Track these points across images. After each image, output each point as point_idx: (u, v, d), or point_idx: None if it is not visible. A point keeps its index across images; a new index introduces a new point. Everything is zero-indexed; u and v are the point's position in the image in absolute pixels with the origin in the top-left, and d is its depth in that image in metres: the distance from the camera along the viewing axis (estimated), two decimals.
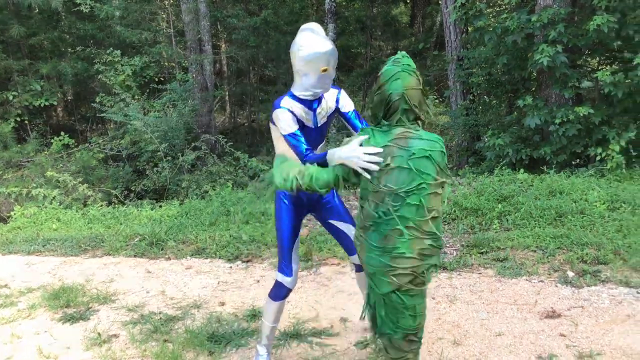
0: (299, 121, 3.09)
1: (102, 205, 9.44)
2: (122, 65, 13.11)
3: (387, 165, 2.46)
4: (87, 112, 16.82)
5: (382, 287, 2.56)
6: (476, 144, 10.03)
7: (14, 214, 9.28)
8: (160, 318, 4.50)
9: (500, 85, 10.08)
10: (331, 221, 3.43)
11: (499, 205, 6.36)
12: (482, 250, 5.43)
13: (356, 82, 18.33)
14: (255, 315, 4.38)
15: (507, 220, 6.10)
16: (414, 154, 2.46)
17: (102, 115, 12.55)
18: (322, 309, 4.48)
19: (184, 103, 12.38)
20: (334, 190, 3.38)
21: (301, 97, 3.10)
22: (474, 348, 3.62)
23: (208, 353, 3.79)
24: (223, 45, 18.63)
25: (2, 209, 10.44)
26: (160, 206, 8.97)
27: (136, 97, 12.78)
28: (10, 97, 13.89)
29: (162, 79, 15.17)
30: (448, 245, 5.75)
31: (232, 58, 17.17)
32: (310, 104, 3.14)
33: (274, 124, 3.13)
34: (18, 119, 13.96)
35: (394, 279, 2.51)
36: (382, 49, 20.73)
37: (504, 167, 8.01)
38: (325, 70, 2.98)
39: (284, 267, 3.30)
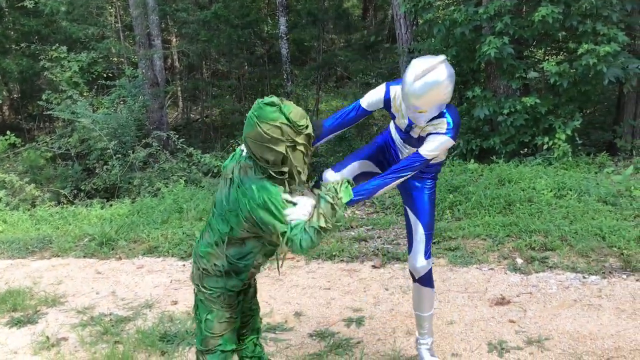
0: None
1: (50, 206, 9.20)
2: (68, 61, 12.76)
3: None
4: (34, 110, 16.38)
5: None
6: None
7: None
8: (111, 319, 4.41)
9: None
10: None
11: (450, 196, 6.44)
12: (434, 240, 5.49)
13: (309, 75, 18.29)
14: None
15: (458, 210, 6.19)
16: None
17: (49, 113, 12.22)
18: (276, 304, 4.46)
19: (134, 99, 12.13)
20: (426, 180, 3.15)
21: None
22: None
23: (160, 353, 3.73)
24: (173, 40, 18.34)
25: None
26: (111, 205, 8.79)
27: (84, 94, 12.48)
28: None
29: (111, 75, 14.84)
30: (401, 237, 5.79)
31: (183, 53, 16.95)
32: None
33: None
34: None
35: None
36: (335, 42, 20.76)
37: (454, 158, 8.13)
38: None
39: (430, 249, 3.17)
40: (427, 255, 3.13)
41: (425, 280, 3.18)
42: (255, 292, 2.90)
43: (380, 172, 3.09)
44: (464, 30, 8.38)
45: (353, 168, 3.18)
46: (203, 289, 2.60)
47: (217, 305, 2.61)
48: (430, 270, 3.17)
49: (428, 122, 2.81)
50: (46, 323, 4.48)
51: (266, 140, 2.34)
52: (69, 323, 4.43)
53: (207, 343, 2.65)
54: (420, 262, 3.12)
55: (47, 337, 4.13)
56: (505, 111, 8.09)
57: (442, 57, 2.74)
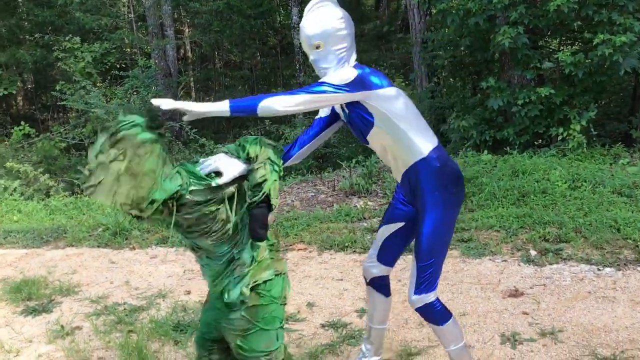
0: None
1: (64, 196, 9.28)
2: (82, 52, 12.83)
3: None
4: (48, 101, 16.48)
5: None
6: (441, 126, 10.09)
7: None
8: (125, 309, 4.44)
9: (464, 68, 10.14)
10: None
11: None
12: None
13: None
14: None
15: (472, 201, 6.16)
16: None
17: (62, 103, 12.29)
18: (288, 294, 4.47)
19: (147, 90, 12.19)
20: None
21: None
22: None
23: (173, 342, 3.75)
24: (186, 30, 18.36)
25: None
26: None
27: (97, 84, 12.54)
28: None
29: (124, 66, 14.89)
30: None
31: (195, 43, 16.96)
32: None
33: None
34: None
35: None
36: None
37: (468, 149, 8.08)
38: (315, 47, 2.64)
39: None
40: (418, 291, 2.69)
41: (426, 316, 2.78)
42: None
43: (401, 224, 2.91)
44: (478, 20, 8.30)
45: (383, 237, 2.98)
46: None
47: None
48: (429, 307, 2.72)
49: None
50: (60, 312, 4.52)
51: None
52: (83, 312, 4.47)
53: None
54: (410, 294, 2.75)
55: (62, 326, 4.16)
56: (520, 102, 8.01)
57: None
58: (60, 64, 13.08)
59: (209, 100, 19.67)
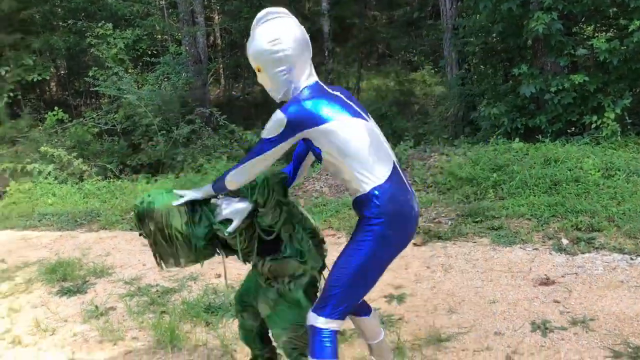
0: None
1: (97, 180, 9.44)
2: (114, 38, 12.95)
3: None
4: (81, 87, 16.71)
5: None
6: (472, 113, 10.00)
7: (9, 189, 9.29)
8: (157, 290, 4.52)
9: (496, 54, 10.00)
10: None
11: (494, 175, 6.36)
12: (477, 220, 5.45)
13: (350, 53, 18.16)
14: None
15: (502, 189, 6.11)
16: None
17: (95, 89, 12.46)
18: None
19: (178, 76, 12.28)
20: None
21: None
22: (468, 315, 3.65)
23: (205, 324, 3.82)
24: (216, 17, 18.42)
25: None
26: (156, 180, 8.97)
27: (129, 70, 12.67)
28: (3, 72, 13.76)
29: (156, 52, 15.02)
30: (443, 215, 5.76)
31: (225, 30, 16.99)
32: None
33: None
34: (11, 94, 13.85)
35: None
36: (377, 18, 20.53)
37: (499, 137, 8.00)
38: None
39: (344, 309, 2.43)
40: (314, 307, 2.45)
41: (310, 339, 2.44)
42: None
43: None
44: (511, 6, 8.17)
45: None
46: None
47: None
48: (314, 331, 2.40)
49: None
50: (95, 293, 4.63)
51: None
52: (117, 293, 4.57)
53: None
54: (309, 312, 2.47)
55: (96, 306, 4.27)
56: (553, 89, 7.89)
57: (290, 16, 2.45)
58: (92, 50, 13.22)
59: (237, 87, 19.76)
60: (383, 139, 2.46)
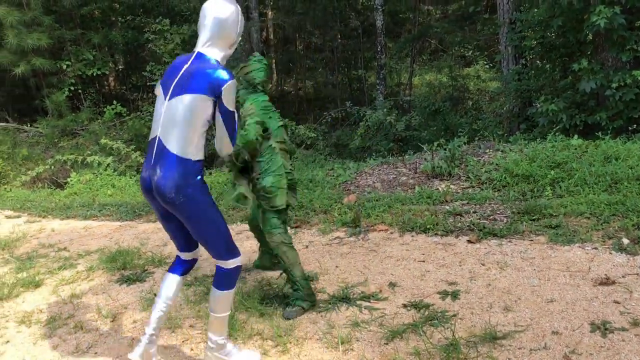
0: None
1: None
2: (171, 34, 13.24)
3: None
4: (138, 81, 17.14)
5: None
6: (528, 109, 9.80)
7: (71, 180, 9.61)
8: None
9: (555, 49, 9.77)
10: None
11: (552, 172, 6.23)
12: (534, 217, 5.35)
13: (403, 48, 18.03)
14: (304, 279, 4.44)
15: (560, 187, 5.98)
16: None
17: (152, 84, 12.75)
18: (370, 274, 4.51)
19: (233, 71, 12.44)
20: None
21: None
22: (525, 314, 3.59)
23: (259, 314, 3.88)
24: (270, 13, 18.57)
25: (59, 176, 10.82)
26: (211, 173, 9.12)
27: None
28: (64, 67, 14.24)
29: None
30: (498, 212, 5.68)
31: (278, 25, 17.12)
32: None
33: (205, 92, 2.86)
34: (72, 87, 14.32)
35: None
36: (431, 13, 20.32)
37: (557, 133, 7.82)
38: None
39: (234, 249, 3.07)
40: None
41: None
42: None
43: None
44: (572, 0, 7.98)
45: None
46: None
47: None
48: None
49: None
50: (153, 281, 4.76)
51: None
52: None
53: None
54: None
55: (155, 295, 4.38)
56: (614, 85, 7.67)
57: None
58: (150, 45, 13.57)
59: (289, 82, 19.91)
60: (164, 116, 2.90)
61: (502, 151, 7.66)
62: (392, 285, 4.27)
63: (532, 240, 4.90)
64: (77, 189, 9.14)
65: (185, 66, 2.94)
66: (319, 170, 8.10)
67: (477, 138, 9.57)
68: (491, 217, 5.60)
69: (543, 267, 4.30)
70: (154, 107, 13.09)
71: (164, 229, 3.16)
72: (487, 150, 7.91)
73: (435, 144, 8.40)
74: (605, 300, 3.71)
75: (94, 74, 14.70)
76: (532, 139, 8.30)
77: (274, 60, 18.81)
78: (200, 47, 3.00)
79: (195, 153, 2.86)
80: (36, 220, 7.63)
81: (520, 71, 10.59)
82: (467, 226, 5.38)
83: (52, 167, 10.69)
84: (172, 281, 3.18)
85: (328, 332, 3.56)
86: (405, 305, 3.89)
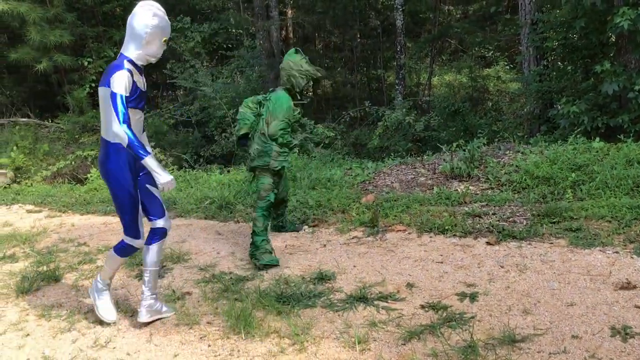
0: (136, 86, 3.48)
1: (173, 169, 9.73)
2: (191, 32, 13.32)
3: None
4: (158, 79, 17.24)
5: None
6: (549, 111, 9.71)
7: (91, 176, 9.70)
8: (231, 278, 4.63)
9: (577, 50, 9.67)
10: (148, 185, 3.77)
11: (573, 174, 6.17)
12: (554, 220, 5.30)
13: (423, 47, 17.94)
14: (322, 278, 4.44)
15: (581, 190, 5.92)
16: None
17: (172, 81, 12.84)
18: (388, 274, 4.50)
19: (252, 69, 12.49)
20: None
21: (138, 63, 3.56)
22: (544, 317, 3.56)
23: (276, 313, 3.88)
24: (289, 12, 18.60)
25: (80, 171, 10.93)
26: (229, 171, 9.17)
27: (205, 63, 12.98)
28: (86, 63, 14.37)
29: (230, 46, 15.33)
30: (518, 215, 5.64)
31: (298, 24, 17.13)
32: (142, 70, 3.60)
33: (107, 85, 3.43)
34: (93, 84, 14.46)
35: None
36: (452, 13, 20.21)
37: (578, 136, 7.74)
38: (166, 42, 3.58)
39: (135, 230, 3.73)
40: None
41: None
42: (287, 186, 5.80)
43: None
44: (595, 1, 7.88)
45: None
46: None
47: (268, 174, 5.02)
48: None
49: None
50: (172, 277, 4.79)
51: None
52: (193, 279, 4.70)
53: (260, 195, 4.98)
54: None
55: (173, 291, 4.41)
56: (637, 87, 7.58)
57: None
58: (170, 43, 13.64)
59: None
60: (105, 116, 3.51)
61: (522, 153, 7.60)
62: (410, 285, 4.25)
63: (552, 243, 4.86)
64: (97, 185, 9.22)
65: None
66: (337, 170, 8.09)
67: (496, 139, 9.50)
68: (511, 219, 5.56)
69: (563, 271, 4.26)
70: (173, 105, 13.14)
71: None
72: (507, 152, 7.85)
73: (455, 144, 8.36)
74: (626, 304, 3.66)
75: None
76: (553, 141, 8.22)
77: None
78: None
79: (113, 136, 3.48)
80: (56, 215, 7.71)
81: (542, 72, 10.50)
82: (486, 228, 5.34)
83: (73, 162, 10.81)
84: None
85: (345, 331, 3.56)
86: (423, 306, 3.87)
